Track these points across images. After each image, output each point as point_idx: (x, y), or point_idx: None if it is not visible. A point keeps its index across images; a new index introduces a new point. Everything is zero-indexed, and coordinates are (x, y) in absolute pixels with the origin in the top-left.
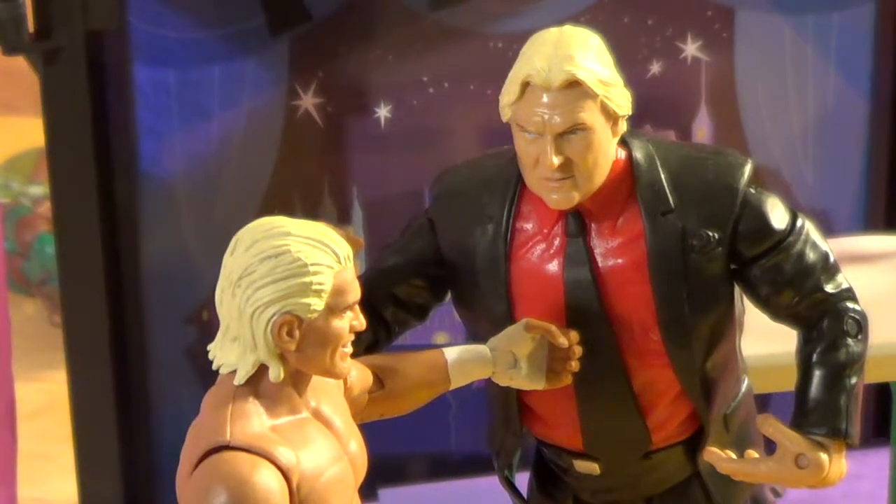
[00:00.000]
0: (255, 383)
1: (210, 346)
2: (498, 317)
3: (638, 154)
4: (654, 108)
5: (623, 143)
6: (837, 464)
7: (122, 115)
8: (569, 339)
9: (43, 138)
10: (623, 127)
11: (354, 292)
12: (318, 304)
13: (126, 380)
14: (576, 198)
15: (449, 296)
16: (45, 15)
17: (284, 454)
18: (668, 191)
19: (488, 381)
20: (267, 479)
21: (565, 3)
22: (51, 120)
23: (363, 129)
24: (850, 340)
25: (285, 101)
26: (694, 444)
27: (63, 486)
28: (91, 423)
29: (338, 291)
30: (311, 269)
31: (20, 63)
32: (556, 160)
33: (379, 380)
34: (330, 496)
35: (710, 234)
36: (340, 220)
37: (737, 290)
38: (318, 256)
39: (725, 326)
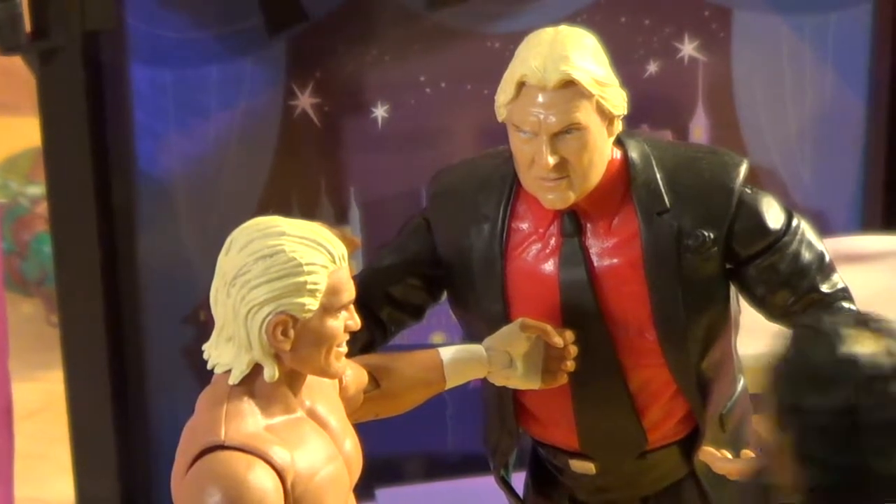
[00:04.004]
0: (250, 383)
1: (205, 346)
2: (494, 316)
3: (633, 154)
4: (651, 108)
5: (619, 142)
6: None
7: (119, 114)
8: (564, 339)
9: (40, 138)
10: (619, 127)
11: (349, 292)
12: (312, 303)
13: (123, 379)
14: (571, 197)
15: (445, 295)
16: (42, 15)
17: (279, 454)
18: (663, 190)
19: (484, 381)
20: (262, 478)
21: (562, 3)
22: (48, 120)
23: (360, 129)
24: None
25: (282, 102)
26: (690, 443)
27: (60, 486)
28: (88, 422)
29: (332, 291)
30: (306, 268)
31: (19, 63)
32: (551, 160)
33: (374, 379)
34: (324, 495)
35: (706, 233)
36: (338, 220)
37: (732, 289)
38: (313, 256)
39: (721, 326)
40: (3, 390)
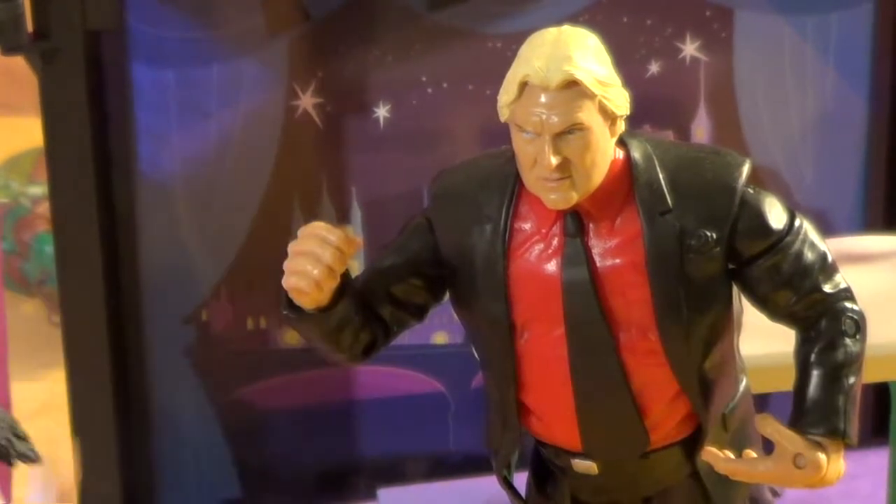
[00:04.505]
0: None
1: None
2: (495, 317)
3: (636, 154)
4: (653, 108)
5: (621, 143)
6: (835, 464)
7: (120, 114)
8: None
9: (42, 138)
10: (621, 127)
11: None
12: None
13: (125, 379)
14: (574, 198)
15: (447, 296)
16: (43, 15)
17: None
18: (666, 191)
19: (486, 381)
20: None
21: (564, 3)
22: (49, 120)
23: (362, 129)
24: (848, 340)
25: (284, 102)
26: (692, 443)
27: (61, 486)
28: (90, 422)
29: None
30: None
31: (20, 63)
32: (554, 160)
33: None
34: None
35: (709, 233)
36: (339, 220)
37: (735, 289)
38: None
39: (724, 326)
40: (2, 391)
